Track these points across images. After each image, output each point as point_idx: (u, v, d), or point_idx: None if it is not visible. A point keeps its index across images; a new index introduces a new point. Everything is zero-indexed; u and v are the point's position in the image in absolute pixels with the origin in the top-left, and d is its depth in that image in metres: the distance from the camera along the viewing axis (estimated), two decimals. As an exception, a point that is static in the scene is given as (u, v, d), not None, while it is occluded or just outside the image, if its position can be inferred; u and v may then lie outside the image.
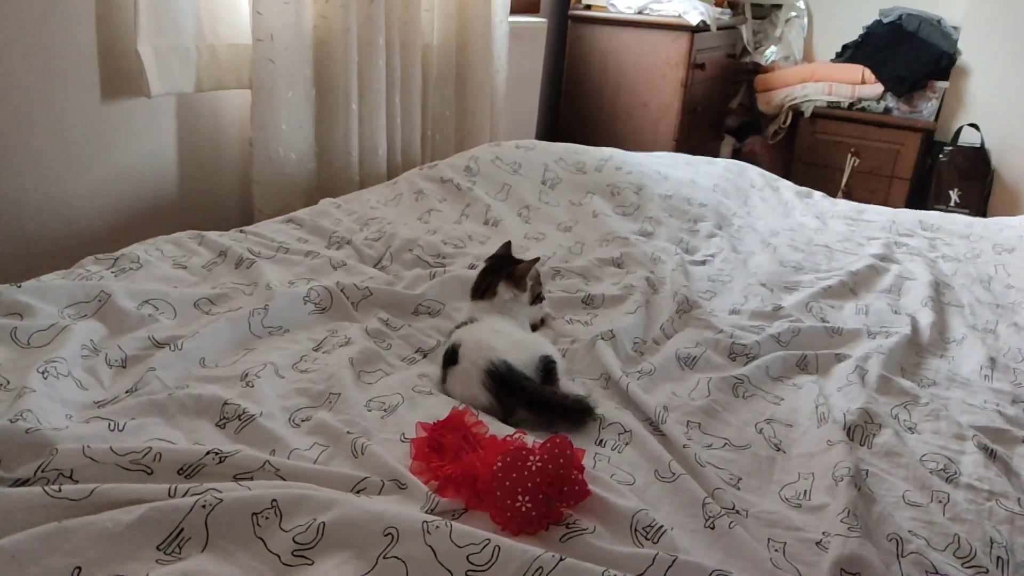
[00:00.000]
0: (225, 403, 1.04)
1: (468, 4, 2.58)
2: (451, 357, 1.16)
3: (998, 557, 0.95)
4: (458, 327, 1.25)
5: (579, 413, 1.10)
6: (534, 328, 1.38)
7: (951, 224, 2.24)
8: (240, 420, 1.02)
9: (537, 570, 0.77)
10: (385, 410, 1.09)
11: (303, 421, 1.06)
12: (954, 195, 3.49)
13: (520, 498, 0.86)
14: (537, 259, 1.36)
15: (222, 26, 1.95)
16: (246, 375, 1.13)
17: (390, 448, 0.99)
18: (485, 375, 1.10)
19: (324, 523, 0.81)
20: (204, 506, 0.82)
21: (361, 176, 2.26)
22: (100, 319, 1.22)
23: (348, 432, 1.01)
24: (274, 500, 0.83)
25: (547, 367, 1.14)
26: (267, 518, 0.82)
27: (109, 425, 0.97)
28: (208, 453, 0.92)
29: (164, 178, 1.93)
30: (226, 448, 0.93)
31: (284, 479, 0.91)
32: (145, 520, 0.80)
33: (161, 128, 1.90)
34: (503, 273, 1.32)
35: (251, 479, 0.90)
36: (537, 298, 1.36)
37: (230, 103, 2.06)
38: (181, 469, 0.90)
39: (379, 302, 1.41)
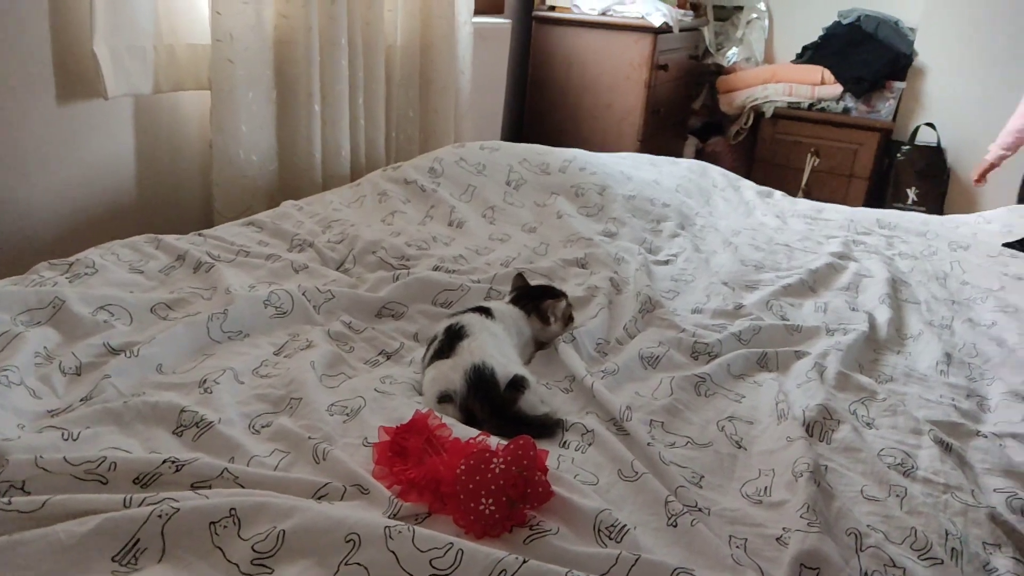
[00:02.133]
0: (182, 410, 1.02)
1: (431, 5, 2.57)
2: (449, 341, 1.17)
3: (953, 548, 0.97)
4: (462, 312, 1.27)
5: (544, 428, 1.10)
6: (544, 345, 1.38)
7: (908, 222, 2.28)
8: (198, 427, 1.00)
9: (501, 572, 0.77)
10: (347, 414, 1.08)
11: (263, 427, 1.04)
12: (911, 193, 3.56)
13: (484, 501, 0.86)
14: (564, 296, 1.41)
15: (180, 26, 1.92)
16: (204, 381, 1.11)
17: (352, 453, 0.99)
18: (473, 370, 1.10)
19: (284, 531, 0.80)
20: (160, 516, 0.80)
21: (324, 178, 2.24)
22: (54, 326, 1.19)
23: (309, 437, 1.00)
24: (232, 508, 0.82)
25: (513, 385, 1.13)
26: (225, 527, 0.81)
27: (63, 434, 0.95)
28: (165, 462, 0.90)
29: (121, 181, 1.89)
30: (183, 456, 0.92)
31: (243, 487, 0.89)
32: (100, 531, 0.79)
33: (118, 130, 1.86)
34: (535, 305, 1.37)
35: (209, 487, 0.89)
36: (568, 319, 1.41)
37: (189, 104, 2.03)
38: (137, 478, 0.89)
39: (342, 305, 1.40)
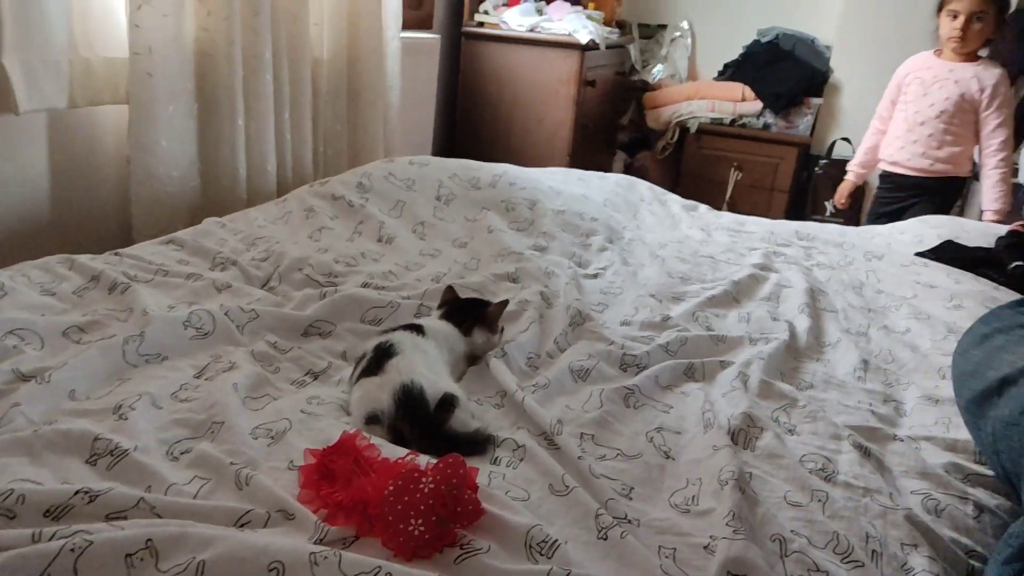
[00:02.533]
0: (96, 438, 0.98)
1: (359, 19, 2.55)
2: (378, 359, 1.15)
3: (873, 551, 1.00)
4: (392, 330, 1.25)
5: (475, 445, 1.09)
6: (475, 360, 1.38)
7: (825, 233, 2.37)
8: (112, 456, 0.96)
9: (429, 595, 0.76)
10: (272, 437, 1.05)
11: (183, 454, 1.01)
12: (829, 206, 3.70)
13: (413, 522, 0.84)
14: (506, 301, 1.44)
15: (97, 39, 1.86)
16: (120, 407, 1.06)
17: (277, 477, 0.96)
18: (401, 389, 1.09)
19: (204, 561, 0.77)
20: (73, 549, 0.76)
21: (249, 194, 2.20)
22: (-43, 353, 1.13)
23: (231, 463, 0.97)
24: (149, 539, 0.79)
25: (443, 403, 1.12)
26: (142, 559, 0.78)
27: (-34, 468, 0.90)
28: (77, 493, 0.86)
29: (35, 200, 1.81)
30: (97, 487, 0.88)
31: (161, 516, 0.86)
32: (7, 568, 0.74)
33: (31, 147, 1.79)
34: (476, 316, 1.37)
35: (125, 518, 0.85)
36: (501, 331, 1.42)
37: (106, 119, 1.96)
38: (48, 511, 0.84)
39: (266, 324, 1.37)
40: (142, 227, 1.95)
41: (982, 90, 2.72)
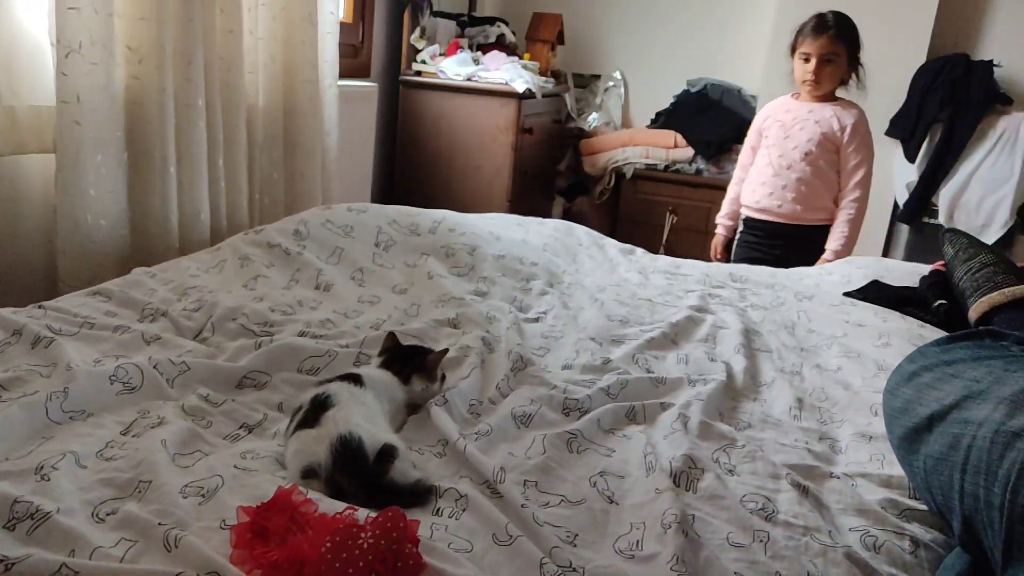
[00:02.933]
0: (15, 501, 0.92)
1: (294, 68, 2.55)
2: (314, 411, 1.12)
3: (813, 588, 1.01)
4: (329, 381, 1.22)
5: (417, 497, 1.07)
6: (416, 408, 1.35)
7: (757, 275, 2.43)
8: (33, 519, 0.91)
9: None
10: (203, 495, 1.01)
11: (108, 515, 0.96)
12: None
13: None
14: (446, 350, 1.42)
15: (22, 87, 1.81)
16: (42, 467, 1.01)
17: (208, 537, 0.92)
18: (339, 441, 1.06)
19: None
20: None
21: (181, 243, 2.15)
22: None
23: (160, 523, 0.92)
24: (70, 609, 0.74)
25: (382, 455, 1.09)
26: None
27: None
28: (-8, 561, 0.81)
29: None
30: (14, 553, 0.83)
31: (83, 583, 0.81)
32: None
33: (-52, 195, 1.72)
34: (415, 365, 1.35)
35: (44, 586, 0.80)
36: (442, 379, 1.39)
37: (32, 168, 1.90)
38: (-41, 583, 0.79)
39: (198, 377, 1.32)
40: (68, 277, 1.88)
41: (842, 129, 2.79)
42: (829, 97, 2.85)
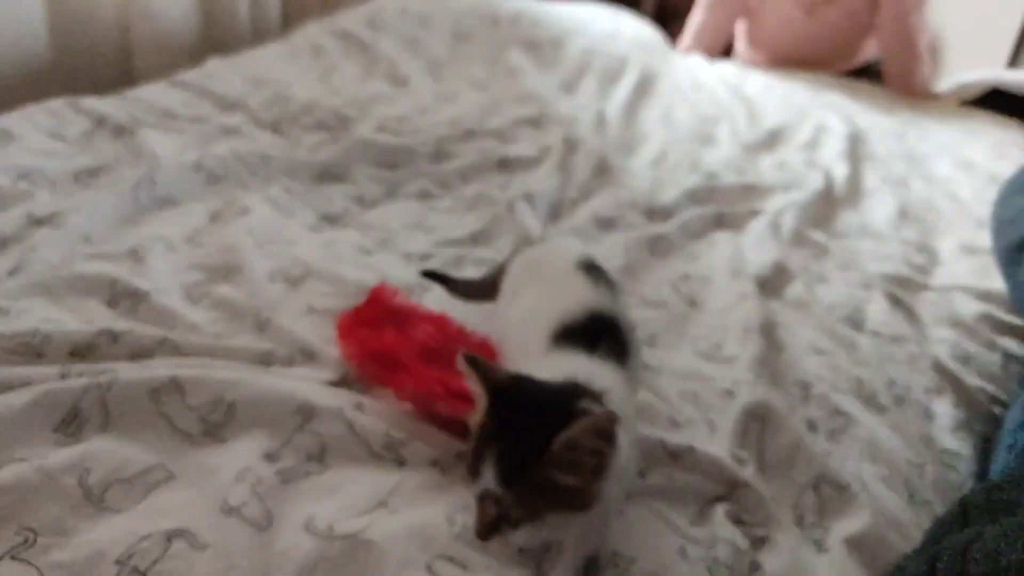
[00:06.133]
0: (115, 281, 0.96)
1: None
2: None
3: (896, 395, 0.99)
4: None
5: None
6: None
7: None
8: (132, 298, 0.95)
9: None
10: (290, 281, 1.03)
11: (201, 296, 0.99)
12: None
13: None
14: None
15: None
16: (136, 251, 1.04)
17: (296, 320, 0.95)
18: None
19: (233, 400, 0.77)
20: (100, 386, 0.76)
21: (252, 31, 2.08)
22: (-30, 198, 1.10)
23: (251, 305, 0.96)
24: (174, 377, 0.78)
25: None
26: (169, 395, 0.78)
27: (-7, 309, 0.89)
28: (101, 333, 0.85)
29: (33, 42, 1.72)
30: (119, 327, 0.87)
31: (184, 355, 0.86)
32: (38, 403, 0.74)
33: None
34: None
35: (149, 358, 0.85)
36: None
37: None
38: (73, 351, 0.84)
39: (279, 169, 1.32)
40: (144, 67, 1.87)
41: None
42: None
